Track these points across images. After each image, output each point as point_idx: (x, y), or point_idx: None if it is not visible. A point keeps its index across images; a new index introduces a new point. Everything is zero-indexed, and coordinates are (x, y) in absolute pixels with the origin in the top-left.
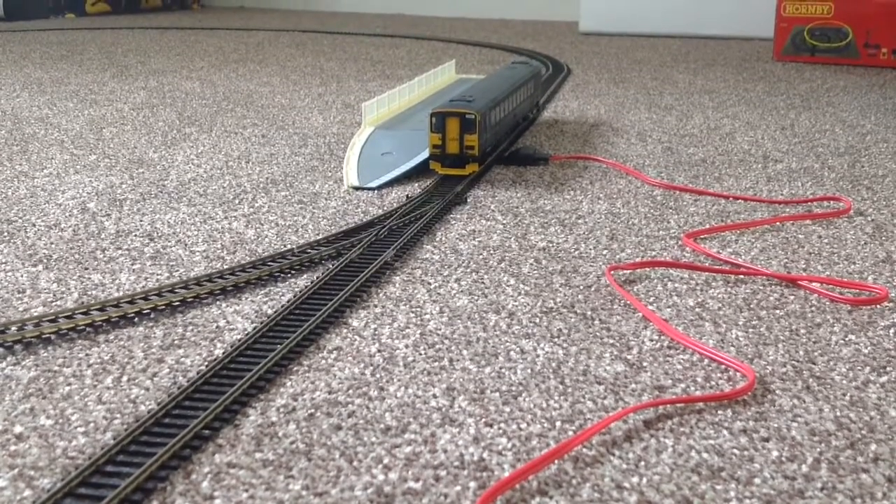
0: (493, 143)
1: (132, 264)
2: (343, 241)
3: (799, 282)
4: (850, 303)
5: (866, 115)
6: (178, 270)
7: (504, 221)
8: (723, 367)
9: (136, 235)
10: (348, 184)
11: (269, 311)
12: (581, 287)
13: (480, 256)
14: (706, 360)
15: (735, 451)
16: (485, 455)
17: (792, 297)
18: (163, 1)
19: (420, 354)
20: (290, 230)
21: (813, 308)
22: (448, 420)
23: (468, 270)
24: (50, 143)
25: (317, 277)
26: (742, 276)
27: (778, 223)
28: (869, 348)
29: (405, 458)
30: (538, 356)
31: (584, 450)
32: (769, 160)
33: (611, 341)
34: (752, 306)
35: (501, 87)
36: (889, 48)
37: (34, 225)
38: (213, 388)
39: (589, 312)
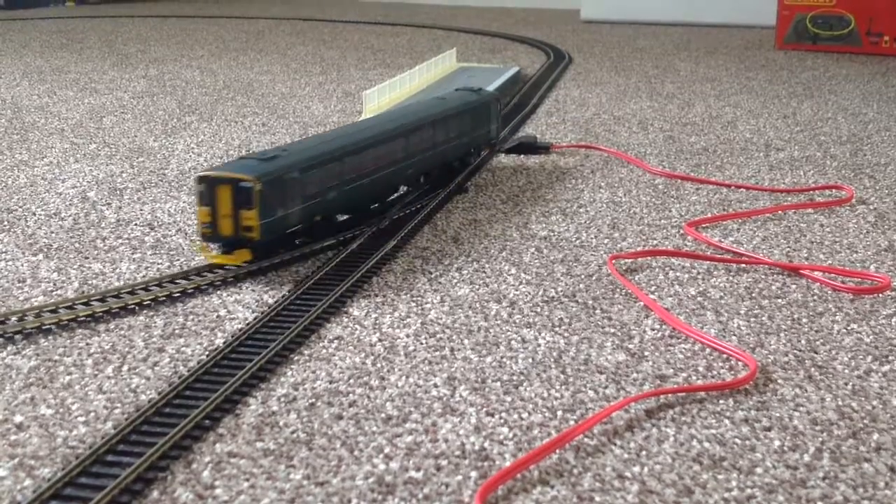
0: (317, 215)
1: (132, 253)
2: (344, 230)
3: (801, 270)
4: (852, 292)
5: (868, 104)
6: (178, 260)
7: (505, 210)
8: (724, 356)
9: (136, 224)
10: None
11: (270, 301)
12: (582, 276)
13: (481, 245)
14: (708, 350)
15: (737, 440)
16: (486, 444)
17: (794, 286)
18: None
19: (421, 344)
20: None
21: (815, 297)
22: (449, 409)
23: (469, 259)
24: (50, 131)
25: (318, 267)
26: (744, 265)
27: (780, 212)
28: (871, 337)
29: (406, 448)
30: (539, 345)
31: (586, 439)
32: (771, 149)
33: (612, 330)
34: (753, 295)
35: (381, 128)
36: (891, 36)
37: (34, 214)
38: (213, 378)
39: (590, 301)
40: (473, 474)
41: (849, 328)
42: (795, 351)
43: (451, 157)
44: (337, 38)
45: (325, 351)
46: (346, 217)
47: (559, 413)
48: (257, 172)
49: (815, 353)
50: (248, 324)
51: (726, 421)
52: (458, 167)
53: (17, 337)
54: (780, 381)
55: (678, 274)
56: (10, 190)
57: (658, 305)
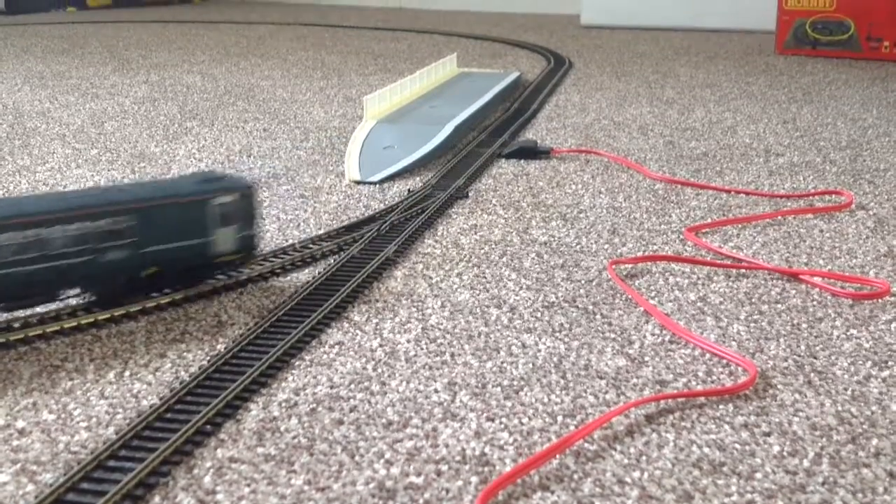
0: None
1: None
2: (345, 235)
3: (800, 276)
4: (851, 297)
5: (868, 109)
6: None
7: (505, 216)
8: (724, 361)
9: None
10: (350, 178)
11: (271, 306)
12: (582, 281)
13: (482, 251)
14: (707, 355)
15: (736, 445)
16: (486, 450)
17: (793, 292)
18: None
19: (421, 349)
20: (291, 225)
21: (814, 302)
22: (450, 415)
23: (469, 265)
24: (51, 137)
25: (318, 272)
26: (744, 271)
27: (779, 217)
28: (870, 343)
29: (407, 453)
30: (540, 351)
31: (586, 444)
32: (771, 154)
33: (612, 336)
34: (753, 301)
35: None
36: (891, 41)
37: None
38: (214, 383)
39: (590, 307)
40: (474, 479)
41: (848, 333)
42: (795, 356)
43: (59, 281)
44: (338, 44)
45: (325, 356)
46: None
47: (559, 418)
48: None
49: (815, 358)
50: (249, 329)
51: (726, 426)
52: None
53: (19, 343)
54: (779, 386)
55: (678, 279)
56: (11, 196)
57: (658, 311)
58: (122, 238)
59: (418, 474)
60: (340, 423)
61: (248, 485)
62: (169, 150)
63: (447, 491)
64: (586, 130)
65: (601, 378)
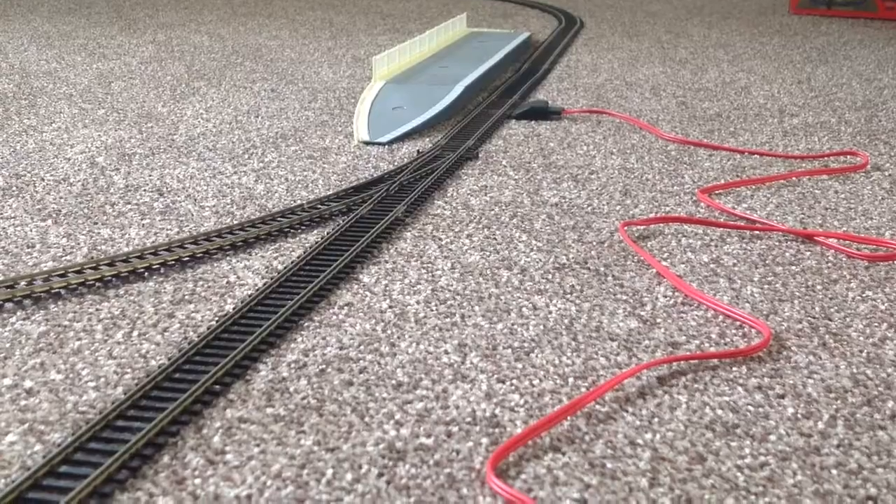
0: None
1: (141, 219)
2: (353, 196)
3: (815, 237)
4: (866, 259)
5: (884, 69)
6: (187, 225)
7: (516, 177)
8: (738, 323)
9: (145, 190)
10: (358, 139)
11: (280, 267)
12: (594, 243)
13: (492, 212)
14: (721, 317)
15: (750, 407)
16: (497, 411)
17: (808, 253)
18: None
19: (431, 310)
20: (299, 185)
21: (829, 264)
22: (460, 376)
23: (480, 226)
24: (58, 97)
25: (327, 233)
26: (757, 232)
27: (794, 178)
28: (886, 304)
29: (417, 414)
30: (551, 312)
31: (598, 406)
32: (785, 114)
33: (624, 297)
34: (767, 262)
35: None
36: None
37: (43, 179)
38: (223, 344)
39: (602, 268)
40: (484, 441)
41: (863, 295)
42: (809, 318)
43: None
44: (346, 3)
45: (335, 317)
46: None
47: (570, 380)
48: None
49: (830, 320)
50: (257, 290)
51: (739, 388)
52: None
53: (26, 302)
54: (793, 348)
55: (691, 241)
56: (18, 155)
57: (670, 272)
58: None
59: (428, 435)
60: (350, 384)
61: (258, 445)
62: (176, 111)
63: (457, 452)
64: (598, 91)
65: (613, 340)
